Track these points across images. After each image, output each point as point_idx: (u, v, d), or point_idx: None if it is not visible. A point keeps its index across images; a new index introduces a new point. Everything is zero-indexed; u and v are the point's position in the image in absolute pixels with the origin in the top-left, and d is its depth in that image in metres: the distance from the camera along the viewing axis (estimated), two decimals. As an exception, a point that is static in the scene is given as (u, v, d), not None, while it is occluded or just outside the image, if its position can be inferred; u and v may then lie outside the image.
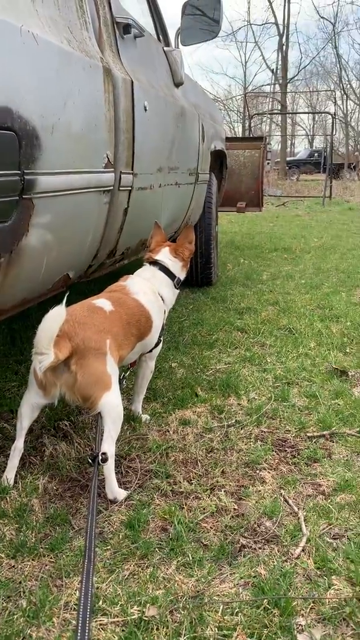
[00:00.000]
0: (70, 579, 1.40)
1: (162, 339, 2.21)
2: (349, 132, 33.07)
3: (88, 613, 0.99)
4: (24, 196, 1.46)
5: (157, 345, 2.18)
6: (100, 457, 1.62)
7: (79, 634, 0.95)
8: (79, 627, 0.96)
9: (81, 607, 1.01)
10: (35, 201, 1.52)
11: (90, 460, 1.63)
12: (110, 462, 1.69)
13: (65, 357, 1.64)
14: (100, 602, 1.32)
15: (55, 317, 1.60)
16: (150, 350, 2.17)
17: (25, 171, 1.44)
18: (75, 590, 1.36)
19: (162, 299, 2.20)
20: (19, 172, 1.42)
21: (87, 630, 0.96)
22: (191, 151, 3.36)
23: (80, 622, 0.97)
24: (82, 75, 1.76)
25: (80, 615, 0.98)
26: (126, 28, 2.20)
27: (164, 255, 2.31)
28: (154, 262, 2.30)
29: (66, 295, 1.67)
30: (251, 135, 16.74)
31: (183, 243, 2.36)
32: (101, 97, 1.90)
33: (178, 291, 2.33)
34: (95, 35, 1.97)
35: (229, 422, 2.23)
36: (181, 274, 2.33)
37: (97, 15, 2.00)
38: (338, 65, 31.13)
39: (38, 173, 1.50)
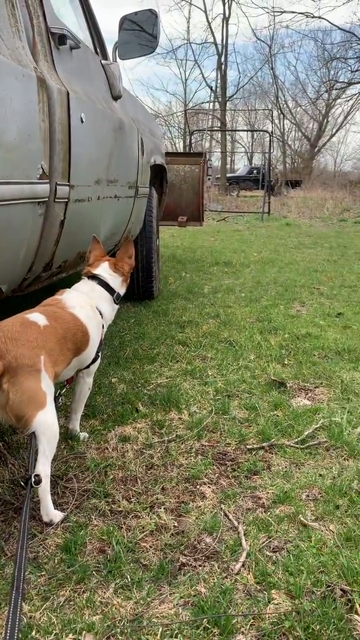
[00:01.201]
0: (1, 610, 1.32)
1: (100, 354, 2.16)
2: (286, 150, 34.23)
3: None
4: None
5: (94, 361, 2.14)
6: (33, 479, 1.55)
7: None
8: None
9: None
10: None
11: (22, 483, 1.56)
12: (45, 483, 1.63)
13: None
14: (34, 632, 1.25)
15: None
16: (88, 366, 2.12)
17: None
18: (5, 621, 1.29)
19: (101, 314, 2.16)
20: None
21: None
22: (130, 164, 3.36)
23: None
24: (15, 84, 1.71)
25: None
26: (61, 39, 2.17)
27: (103, 269, 2.28)
28: (93, 277, 2.26)
29: None
30: (192, 151, 16.99)
31: (123, 257, 2.34)
32: (35, 107, 1.86)
33: (117, 306, 2.30)
34: (29, 44, 1.93)
35: (170, 437, 2.21)
36: (121, 289, 2.31)
37: (31, 24, 1.96)
38: (275, 86, 32.27)
39: (-34, 183, 1.44)
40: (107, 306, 2.22)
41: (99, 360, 2.19)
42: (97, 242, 2.39)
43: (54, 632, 1.26)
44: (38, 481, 1.56)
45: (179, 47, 36.84)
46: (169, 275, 5.84)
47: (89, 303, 2.11)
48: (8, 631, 0.96)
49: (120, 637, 1.25)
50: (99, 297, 2.20)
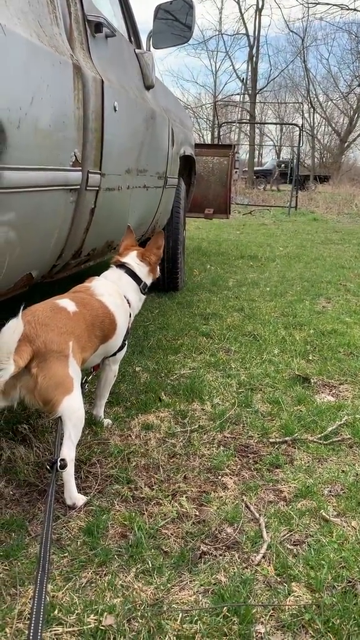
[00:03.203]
0: (25, 587, 1.35)
1: (126, 342, 2.18)
2: (315, 144, 33.77)
3: (40, 625, 0.96)
4: (-13, 191, 1.42)
5: (121, 349, 2.15)
6: (58, 464, 1.58)
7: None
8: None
9: (34, 617, 0.97)
10: (-2, 196, 1.48)
11: (48, 466, 1.58)
12: (70, 467, 1.65)
13: (26, 363, 1.60)
14: (56, 611, 1.28)
15: (13, 330, 1.55)
16: (114, 354, 2.14)
17: (-11, 165, 1.39)
18: (30, 599, 1.32)
19: (128, 302, 2.17)
20: (-18, 165, 1.37)
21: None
22: (160, 155, 3.35)
23: (32, 633, 0.93)
24: (52, 71, 1.72)
25: (32, 627, 0.94)
26: (98, 27, 2.18)
27: (132, 258, 2.29)
28: (121, 265, 2.27)
29: (22, 305, 1.62)
30: (220, 143, 16.89)
31: (151, 248, 2.34)
32: (70, 94, 1.87)
33: (144, 296, 2.31)
34: (66, 32, 1.94)
35: (192, 427, 2.22)
36: (147, 279, 2.31)
37: (69, 11, 1.97)
38: (306, 79, 31.77)
39: (3, 168, 1.46)
40: (134, 295, 2.24)
41: (125, 349, 2.20)
42: (130, 231, 2.40)
43: (76, 612, 1.28)
44: (63, 465, 1.59)
45: (211, 38, 36.52)
46: (194, 267, 5.83)
47: (117, 291, 2.12)
48: (34, 609, 0.98)
49: (140, 621, 1.26)
50: (126, 286, 2.21)
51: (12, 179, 1.53)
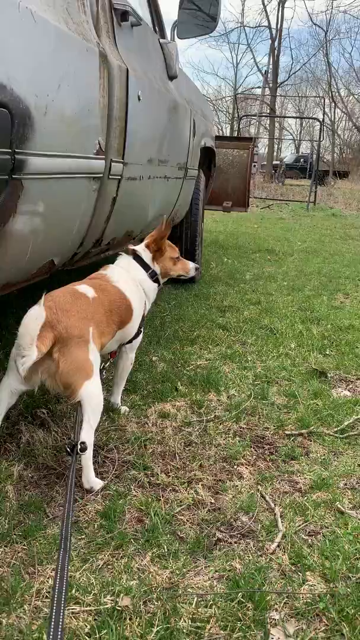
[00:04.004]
0: (43, 567, 1.38)
1: (142, 330, 2.19)
2: (335, 139, 33.40)
3: (63, 603, 0.98)
4: (13, 176, 1.43)
5: (137, 336, 2.16)
6: (79, 447, 1.60)
7: (52, 626, 0.92)
8: (53, 616, 0.94)
9: (55, 595, 0.99)
10: (24, 182, 1.49)
11: (68, 449, 1.60)
12: (88, 452, 1.67)
13: (48, 349, 1.62)
14: (73, 591, 1.30)
15: (35, 317, 1.57)
16: (131, 341, 2.15)
17: (16, 150, 1.41)
18: (48, 577, 1.34)
19: (143, 289, 2.17)
20: (9, 151, 1.39)
21: (61, 620, 0.94)
22: (181, 145, 3.35)
23: (54, 610, 0.95)
24: (78, 58, 1.73)
25: (55, 605, 0.96)
26: (124, 15, 2.18)
27: (140, 245, 2.29)
28: (133, 252, 2.26)
29: (44, 294, 1.64)
30: (239, 136, 16.79)
31: (154, 235, 2.29)
32: (96, 82, 1.88)
33: (156, 285, 2.28)
34: (93, 19, 1.94)
35: (208, 417, 2.23)
36: (155, 267, 2.27)
37: (96, -1, 1.98)
38: (328, 73, 31.38)
39: (29, 154, 1.47)
40: (146, 282, 2.22)
41: (141, 336, 2.21)
42: (163, 223, 2.33)
43: (93, 592, 1.30)
44: (83, 449, 1.61)
45: (232, 30, 36.20)
46: (211, 260, 5.82)
47: (131, 278, 2.13)
48: (56, 586, 1.00)
49: (156, 603, 1.28)
50: (135, 272, 2.20)
51: (38, 165, 1.54)
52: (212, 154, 4.71)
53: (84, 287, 1.88)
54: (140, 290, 2.16)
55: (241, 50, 45.17)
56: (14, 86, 1.35)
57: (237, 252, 6.41)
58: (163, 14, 3.20)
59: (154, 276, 2.26)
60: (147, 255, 2.25)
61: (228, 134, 28.95)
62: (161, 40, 2.92)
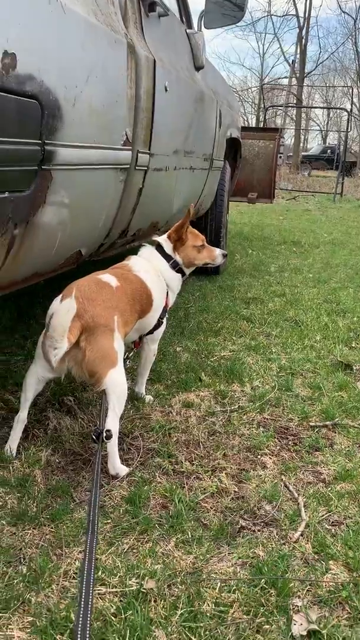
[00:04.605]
0: (70, 549, 1.41)
1: (163, 321, 2.19)
2: (364, 130, 32.79)
3: (91, 584, 1.00)
4: (43, 167, 1.46)
5: (158, 327, 2.17)
6: (104, 434, 1.63)
7: (81, 606, 0.95)
8: (82, 597, 0.97)
9: (84, 576, 1.02)
10: (53, 173, 1.52)
11: (94, 437, 1.64)
12: (114, 439, 1.70)
13: (76, 338, 1.65)
14: (100, 573, 1.33)
15: (67, 310, 1.61)
16: (152, 332, 2.16)
17: (45, 141, 1.43)
18: (75, 559, 1.38)
19: (165, 280, 2.17)
20: (39, 142, 1.41)
21: (90, 601, 0.97)
22: (207, 136, 3.35)
23: (83, 591, 0.98)
24: (107, 49, 1.75)
25: (84, 586, 0.99)
26: (151, 6, 2.18)
27: (163, 236, 2.29)
28: (156, 243, 2.27)
29: (75, 287, 1.67)
30: (265, 127, 16.62)
31: (176, 226, 2.26)
32: (124, 73, 1.89)
33: (180, 275, 2.25)
34: (121, 10, 1.95)
35: (232, 408, 2.24)
36: (177, 257, 2.24)
37: (124, -10, 1.98)
38: (357, 62, 30.81)
39: (58, 144, 1.50)
40: (168, 272, 2.21)
41: (163, 327, 2.21)
42: (189, 213, 2.32)
43: (119, 574, 1.33)
44: (109, 436, 1.64)
45: (259, 19, 35.83)
46: (235, 251, 5.81)
47: (153, 268, 2.14)
48: (85, 567, 1.03)
49: (180, 587, 1.31)
50: (157, 262, 2.20)
51: (66, 156, 1.56)
52: (238, 144, 4.69)
53: (108, 276, 1.90)
54: (162, 280, 2.16)
55: (268, 40, 44.73)
56: (44, 78, 1.37)
57: (262, 244, 6.38)
58: (190, 4, 3.18)
59: (176, 266, 2.24)
60: (168, 246, 2.24)
61: (254, 125, 28.67)
62: (188, 31, 2.92)
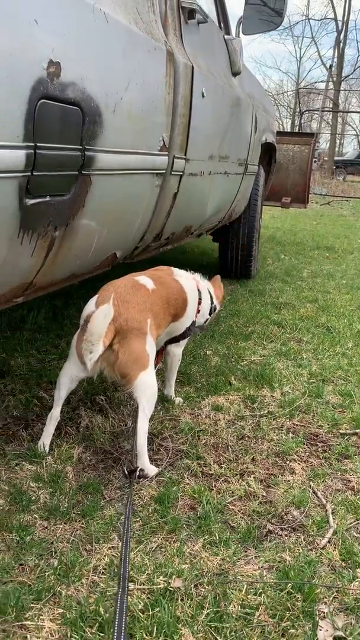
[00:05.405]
0: (100, 545, 1.45)
1: (189, 333, 2.22)
2: None
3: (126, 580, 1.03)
4: (83, 171, 1.50)
5: (183, 337, 2.20)
6: (137, 473, 1.68)
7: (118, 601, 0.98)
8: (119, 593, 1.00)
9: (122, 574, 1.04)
10: (93, 178, 1.56)
11: (127, 472, 1.69)
12: (143, 439, 1.73)
13: (110, 341, 1.69)
14: (128, 569, 1.36)
15: (104, 315, 1.65)
16: (177, 340, 2.19)
17: (86, 147, 1.48)
18: (104, 555, 1.41)
19: (200, 300, 2.22)
20: (80, 147, 1.45)
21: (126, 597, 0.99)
22: (243, 141, 3.36)
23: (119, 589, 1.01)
24: (147, 57, 1.78)
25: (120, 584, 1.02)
26: (191, 13, 2.22)
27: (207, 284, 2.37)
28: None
29: (112, 295, 1.71)
30: (301, 131, 16.51)
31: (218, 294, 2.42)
32: (162, 80, 1.92)
33: (209, 307, 2.31)
34: (161, 18, 1.99)
35: (261, 412, 2.25)
36: (216, 303, 2.38)
37: (164, -2, 2.02)
38: (395, 66, 30.30)
39: (98, 150, 1.54)
40: (207, 295, 2.28)
41: (186, 340, 2.25)
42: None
43: (147, 572, 1.36)
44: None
45: (297, 23, 35.58)
46: (267, 256, 5.79)
47: (195, 280, 2.20)
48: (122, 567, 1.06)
49: (207, 587, 1.32)
50: (204, 281, 2.31)
51: (106, 161, 1.60)
52: (273, 149, 4.69)
53: (144, 278, 1.94)
54: (197, 294, 2.20)
55: (305, 44, 44.31)
56: (87, 85, 1.41)
57: (294, 249, 6.34)
58: (228, 9, 3.21)
59: (211, 304, 2.32)
60: (212, 293, 2.36)
61: (288, 129, 28.49)
62: (226, 37, 2.94)
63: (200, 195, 2.79)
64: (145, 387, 1.76)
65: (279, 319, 3.51)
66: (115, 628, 0.94)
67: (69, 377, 1.82)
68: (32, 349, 2.65)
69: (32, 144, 1.24)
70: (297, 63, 42.94)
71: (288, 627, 1.23)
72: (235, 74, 3.02)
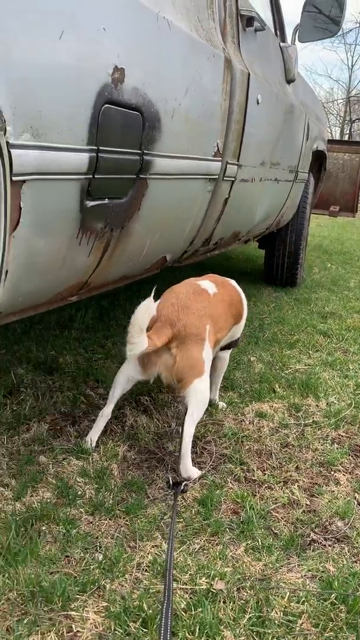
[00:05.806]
0: (143, 543, 1.46)
1: (238, 341, 2.25)
2: None
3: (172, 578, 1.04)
4: (140, 175, 1.54)
5: (235, 344, 2.22)
6: (182, 487, 1.67)
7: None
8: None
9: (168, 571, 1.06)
10: (149, 182, 1.60)
11: (171, 483, 1.69)
12: (188, 442, 1.75)
13: (163, 344, 1.71)
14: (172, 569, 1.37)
15: (145, 309, 1.67)
16: (229, 347, 2.21)
17: (144, 152, 1.51)
18: (148, 553, 1.43)
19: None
20: (139, 152, 1.49)
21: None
22: (294, 149, 3.35)
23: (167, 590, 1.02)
24: (205, 63, 1.81)
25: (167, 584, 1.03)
26: (249, 21, 2.23)
27: None
28: None
29: (154, 287, 1.74)
30: (352, 140, 16.26)
31: None
32: (219, 87, 1.94)
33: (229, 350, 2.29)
34: (220, 26, 2.02)
35: (306, 422, 2.23)
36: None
37: (224, 6, 2.05)
38: None
39: (155, 155, 1.57)
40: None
41: (232, 349, 2.26)
42: None
43: (189, 572, 1.37)
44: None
45: (350, 30, 34.99)
46: (314, 265, 5.72)
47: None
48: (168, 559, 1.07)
49: (249, 591, 1.32)
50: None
51: (162, 166, 1.64)
52: (323, 157, 4.64)
53: (207, 283, 1.97)
54: (246, 308, 2.24)
55: (358, 52, 43.58)
56: (148, 91, 1.44)
57: (341, 258, 6.25)
58: (285, 17, 3.21)
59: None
60: None
61: (338, 137, 28.10)
62: (282, 44, 2.94)
63: (250, 202, 2.80)
64: (197, 393, 1.77)
65: (324, 329, 3.46)
66: (161, 628, 0.95)
67: (125, 377, 1.84)
68: (80, 348, 2.71)
69: (95, 148, 1.28)
70: (348, 71, 42.17)
71: (331, 637, 1.22)
72: (289, 81, 3.02)
